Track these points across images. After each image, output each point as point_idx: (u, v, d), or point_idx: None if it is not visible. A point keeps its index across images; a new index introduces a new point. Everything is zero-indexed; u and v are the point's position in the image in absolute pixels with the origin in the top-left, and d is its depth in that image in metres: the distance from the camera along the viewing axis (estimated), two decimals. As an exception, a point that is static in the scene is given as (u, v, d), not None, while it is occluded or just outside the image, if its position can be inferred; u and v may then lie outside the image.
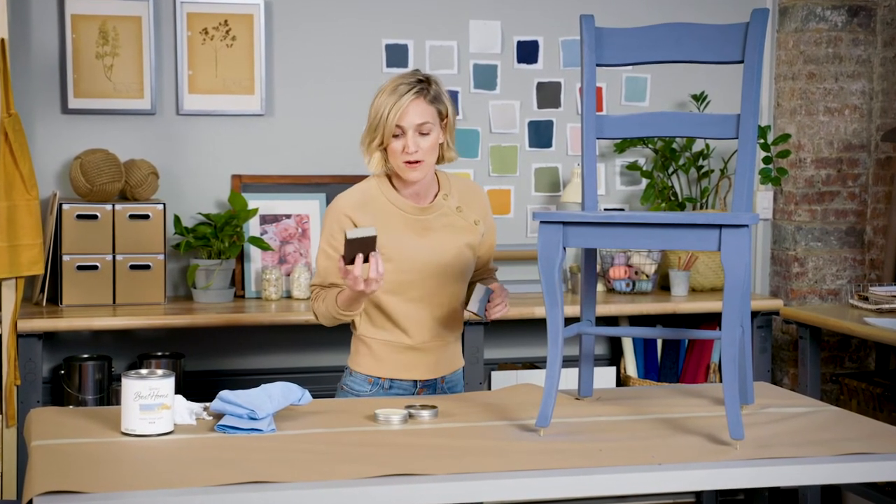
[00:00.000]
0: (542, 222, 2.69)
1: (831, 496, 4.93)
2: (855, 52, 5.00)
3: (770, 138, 5.05)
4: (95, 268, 4.28)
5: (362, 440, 2.62)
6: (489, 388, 4.63)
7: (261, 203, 4.57)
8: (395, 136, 2.99)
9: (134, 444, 2.54)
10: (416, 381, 3.14)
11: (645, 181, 4.94)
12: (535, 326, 4.73)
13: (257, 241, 4.48)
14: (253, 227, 4.57)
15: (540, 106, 4.92)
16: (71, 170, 4.32)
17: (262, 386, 2.76)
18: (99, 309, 4.22)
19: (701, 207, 4.92)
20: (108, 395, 4.32)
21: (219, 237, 4.40)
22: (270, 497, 2.26)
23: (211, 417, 2.76)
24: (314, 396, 2.87)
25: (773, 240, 5.17)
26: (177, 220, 4.44)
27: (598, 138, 2.93)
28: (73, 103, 4.46)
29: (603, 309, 4.39)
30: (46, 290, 4.29)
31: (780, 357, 5.10)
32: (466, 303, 3.18)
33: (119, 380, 4.24)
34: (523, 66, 4.89)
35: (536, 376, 4.66)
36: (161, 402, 2.58)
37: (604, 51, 2.90)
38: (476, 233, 3.15)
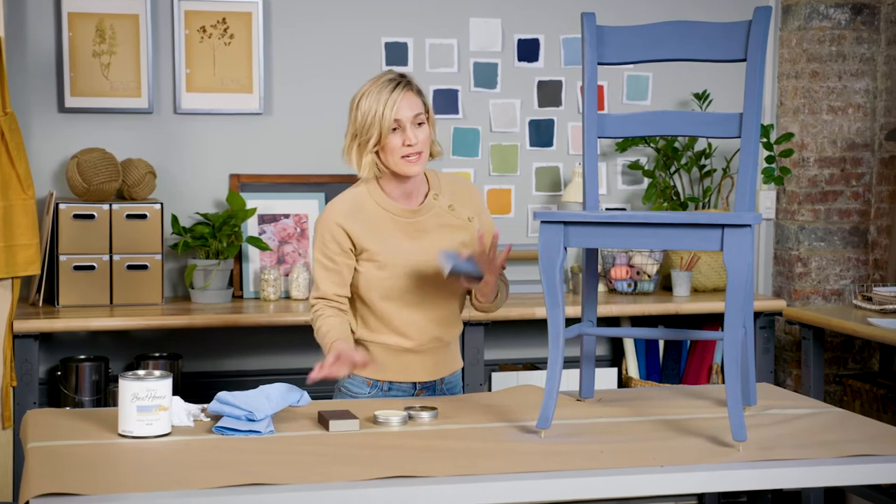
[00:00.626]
0: (542, 222, 2.70)
1: (835, 498, 4.93)
2: (858, 50, 4.99)
3: (773, 137, 5.04)
4: (92, 268, 4.27)
5: (361, 442, 2.61)
6: (489, 390, 4.64)
7: (259, 203, 4.56)
8: (393, 130, 2.98)
9: (131, 446, 2.54)
10: (415, 384, 3.14)
11: (647, 180, 4.93)
12: (535, 327, 4.73)
13: (255, 241, 4.48)
14: (251, 227, 4.57)
15: (541, 105, 4.91)
16: (67, 169, 4.32)
17: (261, 387, 2.76)
18: (96, 309, 4.22)
19: (703, 207, 4.92)
20: (105, 396, 4.31)
21: (217, 237, 4.40)
22: (269, 499, 2.26)
23: (209, 419, 2.76)
24: (313, 398, 2.87)
25: (775, 240, 5.16)
26: (174, 219, 4.44)
27: (599, 137, 2.93)
28: (70, 102, 4.46)
29: (604, 309, 4.38)
30: (43, 290, 4.29)
31: (782, 358, 5.10)
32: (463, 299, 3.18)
33: (116, 381, 4.11)
34: (524, 64, 4.88)
35: (537, 377, 4.66)
36: (158, 403, 2.58)
37: (605, 49, 2.90)
38: (471, 230, 3.13)
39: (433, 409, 2.84)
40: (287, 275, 4.54)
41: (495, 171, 4.88)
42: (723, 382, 4.21)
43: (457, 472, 2.40)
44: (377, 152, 3.01)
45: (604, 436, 2.69)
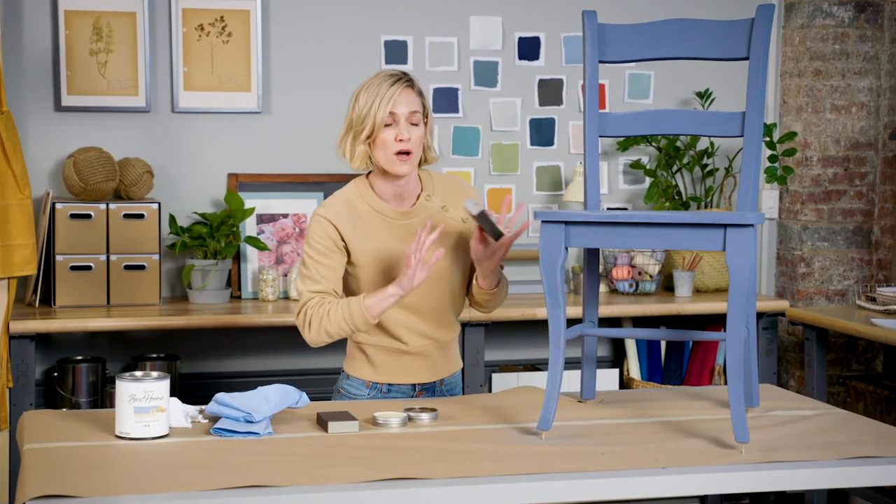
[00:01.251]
0: (543, 222, 2.68)
1: (838, 500, 4.95)
2: (862, 48, 4.99)
3: (776, 136, 5.04)
4: (89, 268, 4.27)
5: (361, 443, 2.60)
6: (490, 391, 4.64)
7: (257, 202, 4.56)
8: (387, 125, 2.96)
9: (128, 448, 2.54)
10: (414, 385, 3.13)
11: (648, 180, 4.93)
12: (536, 328, 4.73)
13: (254, 241, 4.48)
14: (249, 227, 4.56)
15: (541, 103, 4.91)
16: (64, 168, 4.32)
17: (259, 388, 2.76)
18: (93, 310, 4.22)
19: (705, 207, 4.92)
20: (102, 397, 4.31)
21: (215, 237, 4.40)
22: (267, 501, 2.25)
23: (207, 420, 2.75)
24: (312, 399, 2.87)
25: (778, 239, 5.16)
26: (172, 219, 4.44)
27: (600, 136, 2.93)
28: (67, 101, 4.45)
29: (606, 310, 4.39)
30: (39, 290, 4.29)
31: (785, 359, 5.10)
32: (467, 292, 3.16)
33: (113, 382, 4.23)
34: (524, 62, 4.88)
35: (538, 378, 4.65)
36: (156, 404, 2.58)
37: (606, 47, 2.90)
38: (464, 230, 3.11)
39: (433, 410, 2.83)
40: (286, 275, 4.53)
41: (496, 171, 4.88)
42: (725, 383, 4.22)
43: (457, 474, 2.39)
44: (369, 145, 2.99)
45: (605, 437, 2.68)
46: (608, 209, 4.76)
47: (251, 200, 4.54)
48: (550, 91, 4.90)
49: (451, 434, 2.69)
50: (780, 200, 5.12)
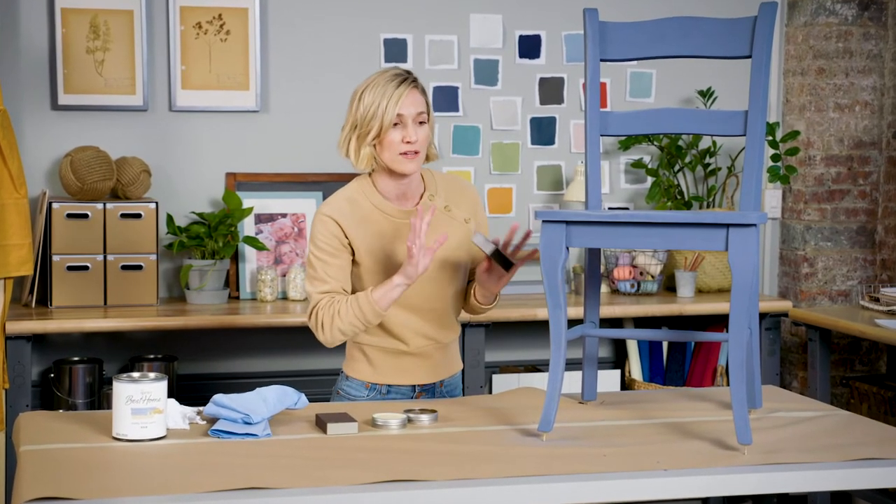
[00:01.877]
0: (544, 221, 2.68)
1: (841, 503, 4.93)
2: (866, 46, 5.00)
3: (778, 135, 5.04)
4: (86, 268, 4.26)
5: (360, 445, 2.60)
6: (490, 392, 4.64)
7: (256, 202, 4.55)
8: (394, 126, 2.95)
9: (125, 450, 2.53)
10: (414, 386, 3.12)
11: (650, 179, 4.94)
12: (537, 328, 4.72)
13: (252, 241, 4.47)
14: (248, 227, 4.56)
15: (542, 102, 4.91)
16: (61, 168, 4.32)
17: (258, 389, 2.75)
18: (90, 310, 4.21)
19: (708, 206, 4.92)
20: (99, 398, 4.31)
21: (213, 237, 4.39)
22: (266, 503, 2.25)
23: (205, 422, 2.75)
24: (310, 400, 2.86)
25: (781, 239, 5.16)
26: (169, 219, 4.43)
27: (601, 135, 2.93)
28: (63, 99, 4.45)
29: (607, 310, 4.40)
30: (36, 290, 4.29)
31: (788, 360, 5.11)
32: (465, 297, 3.16)
33: (110, 383, 4.22)
34: (525, 60, 4.88)
35: (538, 379, 4.66)
36: (153, 406, 2.58)
37: (608, 45, 2.90)
38: (467, 230, 3.11)
39: (433, 411, 2.82)
40: (284, 275, 4.52)
41: (496, 170, 4.87)
42: (727, 384, 4.21)
43: (457, 476, 2.39)
44: (374, 146, 2.98)
45: (606, 439, 2.68)
46: (609, 209, 4.77)
47: (249, 200, 4.53)
48: (551, 90, 4.90)
49: (452, 436, 2.69)
50: (783, 200, 5.12)
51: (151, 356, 4.41)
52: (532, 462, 2.49)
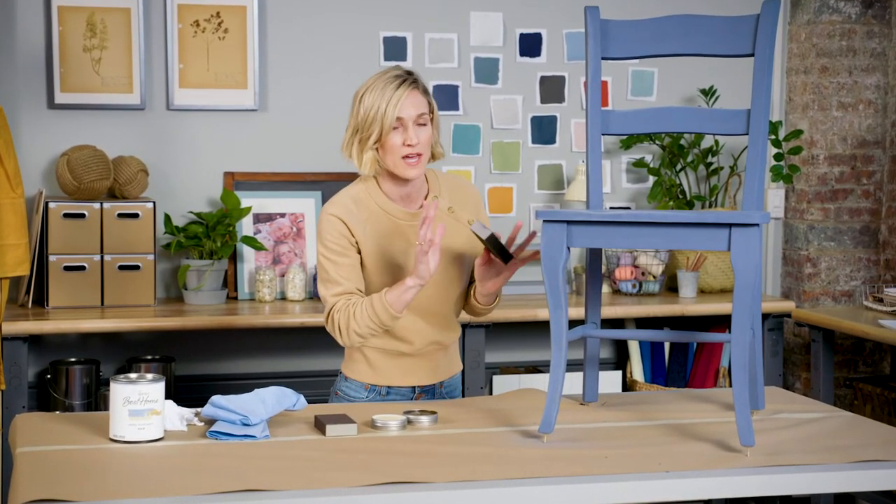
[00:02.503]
0: (545, 221, 2.67)
1: (845, 504, 4.88)
2: (869, 44, 4.99)
3: (781, 134, 5.04)
4: (83, 268, 4.26)
5: (359, 447, 2.60)
6: (490, 393, 4.64)
7: (254, 201, 4.55)
8: (394, 129, 2.93)
9: (123, 451, 2.53)
10: (413, 387, 3.12)
11: (652, 179, 4.93)
12: (538, 329, 4.72)
13: (250, 241, 4.46)
14: (246, 227, 4.55)
15: (543, 101, 4.90)
16: (57, 167, 4.31)
17: (256, 391, 2.74)
18: (86, 311, 4.21)
19: (710, 206, 4.92)
20: (96, 400, 4.31)
21: (211, 237, 4.39)
22: None
23: (202, 423, 2.75)
24: (309, 401, 2.86)
25: (784, 239, 5.16)
26: (167, 218, 4.43)
27: (603, 134, 2.93)
28: (60, 98, 4.45)
29: (608, 311, 4.41)
30: (32, 291, 4.30)
31: (791, 361, 5.10)
32: (465, 299, 3.16)
33: (107, 384, 4.26)
34: (526, 59, 4.87)
35: (539, 381, 4.65)
36: (151, 407, 2.57)
37: (609, 44, 2.90)
38: (470, 233, 3.07)
39: (433, 413, 2.81)
40: (283, 275, 4.52)
41: (496, 169, 4.87)
42: (730, 386, 4.20)
43: (457, 478, 2.38)
44: (377, 149, 2.97)
45: (608, 441, 2.67)
46: (611, 208, 4.75)
47: (248, 199, 4.52)
48: (552, 88, 4.89)
49: (452, 437, 2.68)
50: (786, 199, 5.11)
51: (149, 357, 4.40)
52: (533, 464, 2.48)
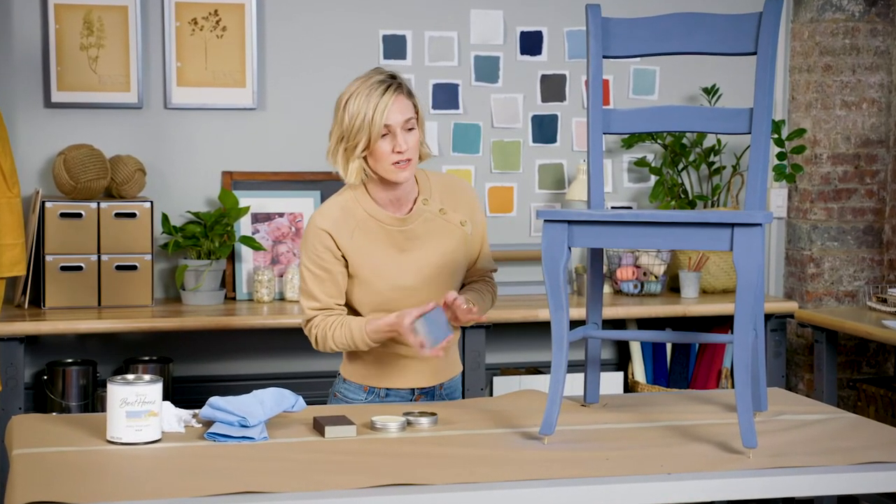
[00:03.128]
0: (546, 221, 2.67)
1: (848, 506, 4.88)
2: (873, 43, 4.98)
3: (784, 133, 5.04)
4: (80, 268, 4.26)
5: (359, 449, 2.60)
6: (491, 395, 4.63)
7: (252, 201, 4.55)
8: (383, 136, 2.91)
9: (120, 453, 2.53)
10: (413, 389, 3.11)
11: (654, 178, 4.93)
12: (538, 330, 4.71)
13: (249, 241, 4.47)
14: (244, 226, 4.56)
15: (544, 99, 4.90)
16: (54, 166, 4.31)
17: (254, 392, 2.75)
18: (83, 311, 4.21)
19: (712, 205, 4.92)
20: (93, 401, 4.31)
21: (209, 236, 4.39)
22: None
23: (200, 425, 2.75)
24: (308, 403, 2.85)
25: (787, 239, 5.15)
26: (165, 218, 4.43)
27: (604, 133, 2.95)
28: (57, 97, 4.45)
29: (610, 311, 4.42)
30: (28, 291, 4.30)
31: (794, 362, 5.10)
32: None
33: (104, 385, 4.21)
34: (527, 57, 4.87)
35: (540, 382, 4.66)
36: (148, 408, 2.57)
37: (611, 42, 2.90)
38: (463, 234, 3.08)
39: (433, 414, 2.82)
40: (281, 276, 4.52)
41: (497, 169, 4.86)
42: (732, 387, 4.20)
43: (457, 480, 2.38)
44: (365, 158, 2.95)
45: (609, 442, 2.68)
46: (612, 208, 4.77)
47: (246, 199, 4.52)
48: (553, 87, 4.88)
49: (451, 439, 2.68)
50: (789, 199, 5.11)
51: (146, 358, 4.41)
52: (533, 466, 2.48)
